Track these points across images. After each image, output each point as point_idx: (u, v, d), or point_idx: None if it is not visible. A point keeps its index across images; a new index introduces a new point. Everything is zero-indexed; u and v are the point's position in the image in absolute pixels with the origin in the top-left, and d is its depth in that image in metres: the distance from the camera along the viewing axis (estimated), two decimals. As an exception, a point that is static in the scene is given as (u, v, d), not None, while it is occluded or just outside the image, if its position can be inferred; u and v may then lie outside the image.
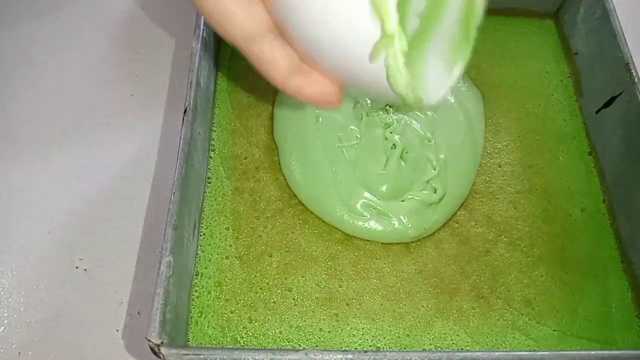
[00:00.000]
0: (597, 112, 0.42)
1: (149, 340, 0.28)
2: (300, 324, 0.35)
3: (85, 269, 0.38)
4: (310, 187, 0.39)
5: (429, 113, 0.42)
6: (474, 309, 0.36)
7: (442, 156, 0.41)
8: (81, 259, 0.38)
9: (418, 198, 0.39)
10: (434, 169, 0.40)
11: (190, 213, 0.35)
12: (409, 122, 0.42)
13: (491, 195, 0.40)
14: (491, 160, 0.42)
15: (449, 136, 0.42)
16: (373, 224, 0.38)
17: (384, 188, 0.39)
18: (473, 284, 0.37)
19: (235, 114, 0.42)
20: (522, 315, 0.36)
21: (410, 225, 0.38)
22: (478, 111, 0.44)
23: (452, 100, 0.43)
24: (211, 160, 0.40)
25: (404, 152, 0.40)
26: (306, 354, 0.28)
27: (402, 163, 0.40)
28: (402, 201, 0.39)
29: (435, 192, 0.39)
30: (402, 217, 0.38)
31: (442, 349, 0.34)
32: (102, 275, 0.37)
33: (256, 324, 0.34)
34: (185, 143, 0.34)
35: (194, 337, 0.34)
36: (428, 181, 0.39)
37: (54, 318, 0.36)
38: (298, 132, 0.41)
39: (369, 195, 0.39)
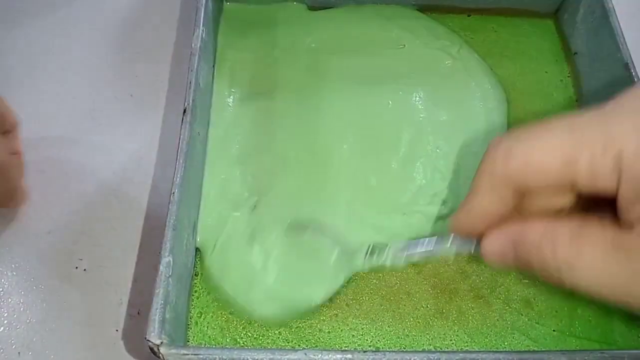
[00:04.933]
0: (596, 111, 0.42)
1: (148, 340, 0.28)
2: (300, 324, 0.35)
3: (85, 269, 0.38)
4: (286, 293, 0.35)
5: (443, 117, 0.41)
6: (473, 309, 0.36)
7: (453, 165, 0.39)
8: (81, 259, 0.38)
9: (423, 213, 0.37)
10: (443, 180, 0.38)
11: (190, 213, 0.35)
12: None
13: (491, 195, 0.40)
14: (491, 160, 0.42)
15: (466, 142, 0.40)
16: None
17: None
18: (472, 284, 0.37)
19: (235, 114, 0.42)
20: (522, 315, 0.36)
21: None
22: (501, 113, 0.42)
23: (477, 101, 0.42)
24: (211, 160, 0.40)
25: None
26: (306, 354, 0.28)
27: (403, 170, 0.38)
28: (404, 214, 0.37)
29: (443, 205, 0.38)
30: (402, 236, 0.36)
31: (441, 349, 0.34)
32: (102, 275, 0.37)
33: (255, 324, 0.34)
34: (184, 143, 0.34)
35: (193, 337, 0.34)
36: (435, 194, 0.38)
37: (54, 318, 0.36)
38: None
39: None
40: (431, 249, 0.30)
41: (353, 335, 0.34)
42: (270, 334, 0.34)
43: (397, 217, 0.38)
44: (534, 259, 0.24)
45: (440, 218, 0.38)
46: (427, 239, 0.30)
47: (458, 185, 0.39)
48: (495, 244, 0.26)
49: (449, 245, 0.29)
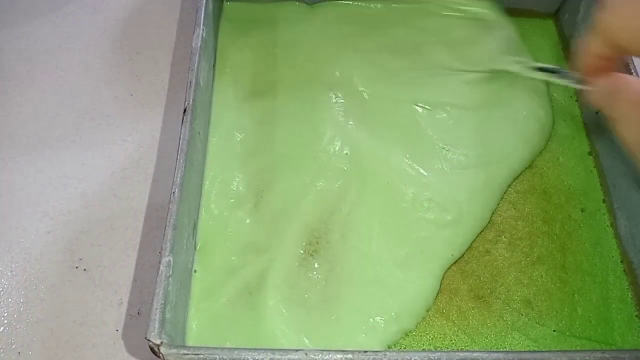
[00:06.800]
0: (597, 112, 0.42)
1: (148, 340, 0.28)
2: (300, 324, 0.35)
3: (85, 269, 0.38)
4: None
5: (446, 117, 0.42)
6: (473, 309, 0.36)
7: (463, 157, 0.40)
8: (81, 259, 0.38)
9: (425, 216, 0.37)
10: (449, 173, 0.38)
11: (190, 213, 0.35)
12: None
13: (491, 195, 0.40)
14: (491, 160, 0.42)
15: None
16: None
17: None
18: (473, 284, 0.37)
19: (235, 114, 0.42)
20: (522, 315, 0.36)
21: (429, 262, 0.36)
22: None
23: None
24: (211, 160, 0.40)
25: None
26: (306, 354, 0.28)
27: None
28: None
29: (446, 211, 0.37)
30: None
31: (441, 349, 0.34)
32: (102, 275, 0.37)
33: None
34: (185, 143, 0.34)
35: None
36: (430, 199, 0.38)
37: (54, 318, 0.36)
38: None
39: None
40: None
41: (353, 335, 0.34)
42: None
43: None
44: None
45: (447, 225, 0.38)
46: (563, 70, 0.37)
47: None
48: (598, 84, 0.30)
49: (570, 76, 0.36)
